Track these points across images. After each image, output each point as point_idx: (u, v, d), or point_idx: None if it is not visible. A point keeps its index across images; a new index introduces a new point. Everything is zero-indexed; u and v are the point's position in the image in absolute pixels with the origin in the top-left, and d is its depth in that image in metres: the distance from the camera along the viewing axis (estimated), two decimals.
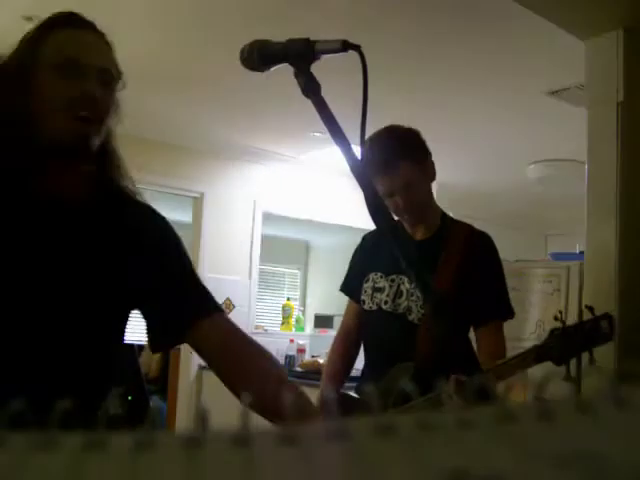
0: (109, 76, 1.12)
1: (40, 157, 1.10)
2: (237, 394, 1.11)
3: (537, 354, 1.57)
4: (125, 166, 1.22)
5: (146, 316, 1.23)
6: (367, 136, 1.40)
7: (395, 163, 1.78)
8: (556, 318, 1.60)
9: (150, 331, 1.23)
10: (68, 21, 1.12)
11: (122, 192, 1.22)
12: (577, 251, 3.51)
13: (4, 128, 1.09)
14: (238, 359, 1.19)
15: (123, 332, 1.23)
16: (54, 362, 1.09)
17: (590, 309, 1.62)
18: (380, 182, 1.77)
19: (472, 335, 1.83)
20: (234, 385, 1.15)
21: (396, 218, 1.90)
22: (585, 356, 1.59)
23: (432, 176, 1.88)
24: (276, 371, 1.20)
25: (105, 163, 1.19)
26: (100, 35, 1.14)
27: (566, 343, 1.57)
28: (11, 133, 1.08)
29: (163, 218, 1.28)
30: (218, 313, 1.23)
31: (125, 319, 1.22)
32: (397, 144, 1.80)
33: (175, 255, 1.26)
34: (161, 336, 1.24)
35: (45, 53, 1.08)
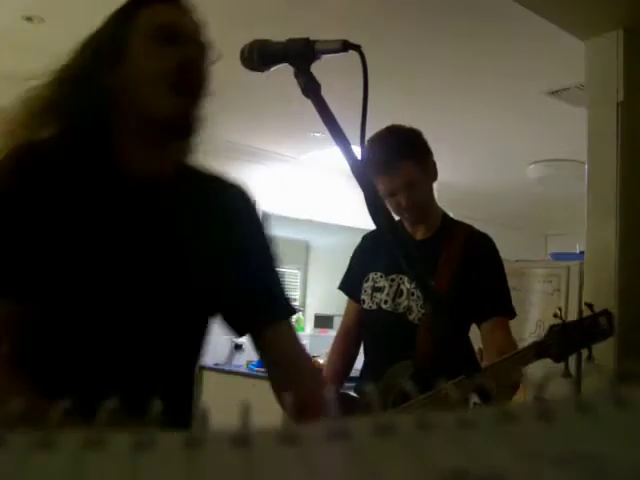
0: (204, 48, 1.05)
1: (134, 131, 1.03)
2: (281, 402, 1.07)
3: (536, 350, 1.57)
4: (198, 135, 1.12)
5: (224, 306, 1.15)
6: (368, 136, 1.41)
7: (397, 162, 1.78)
8: (555, 315, 1.61)
9: (234, 318, 1.16)
10: None
11: (210, 171, 1.14)
12: (577, 251, 3.51)
13: (98, 102, 1.01)
14: (291, 374, 1.15)
15: (208, 325, 1.14)
16: (142, 358, 1.02)
17: (589, 306, 1.63)
18: (382, 182, 1.77)
19: (471, 335, 1.83)
20: (280, 395, 1.13)
21: (397, 218, 1.90)
22: (584, 353, 1.60)
23: (434, 176, 1.88)
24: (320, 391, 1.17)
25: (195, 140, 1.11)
26: (191, 10, 1.07)
27: (565, 340, 1.57)
28: (106, 108, 1.01)
29: (254, 202, 1.19)
30: (288, 320, 1.17)
31: (213, 310, 1.14)
32: (399, 144, 1.81)
33: (263, 245, 1.18)
34: (231, 326, 1.17)
35: (139, 24, 1.02)
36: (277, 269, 1.18)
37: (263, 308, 1.15)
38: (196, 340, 1.13)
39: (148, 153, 1.06)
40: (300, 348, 1.19)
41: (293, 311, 1.19)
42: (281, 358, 1.16)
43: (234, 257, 1.11)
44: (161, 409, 0.23)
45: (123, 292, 1.00)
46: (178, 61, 0.99)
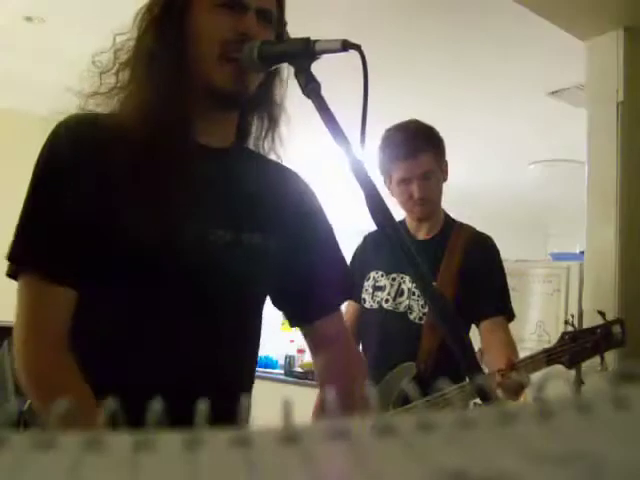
0: (270, 16, 1.03)
1: (196, 103, 1.02)
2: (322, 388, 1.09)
3: (548, 357, 1.58)
4: (279, 114, 1.12)
5: (287, 290, 1.14)
6: (368, 137, 1.41)
7: (419, 150, 1.81)
8: (567, 322, 1.61)
9: (280, 306, 1.16)
10: None
11: (255, 150, 1.12)
12: (577, 251, 3.51)
13: (160, 72, 0.99)
14: (347, 365, 1.15)
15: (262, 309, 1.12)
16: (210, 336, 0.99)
17: (602, 314, 1.63)
18: (400, 167, 1.80)
19: (470, 336, 1.83)
20: (323, 382, 1.14)
21: (403, 215, 1.91)
22: (596, 360, 1.60)
23: (445, 175, 1.91)
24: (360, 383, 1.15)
25: (261, 115, 1.11)
26: None
27: (577, 347, 1.57)
28: (167, 78, 0.99)
29: (314, 191, 1.19)
30: (339, 310, 1.17)
31: (280, 281, 1.11)
32: (422, 134, 1.85)
33: (329, 232, 1.17)
34: (290, 314, 1.16)
35: None
36: (342, 256, 1.18)
37: (328, 294, 1.14)
38: (257, 323, 1.10)
39: (213, 123, 1.05)
40: (350, 336, 1.22)
41: (350, 295, 1.20)
42: (335, 347, 1.14)
43: (303, 236, 1.10)
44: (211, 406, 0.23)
45: (190, 268, 0.97)
46: (237, 32, 0.99)
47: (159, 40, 1.00)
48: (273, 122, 1.12)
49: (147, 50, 1.01)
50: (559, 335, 1.64)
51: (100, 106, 1.01)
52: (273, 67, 1.05)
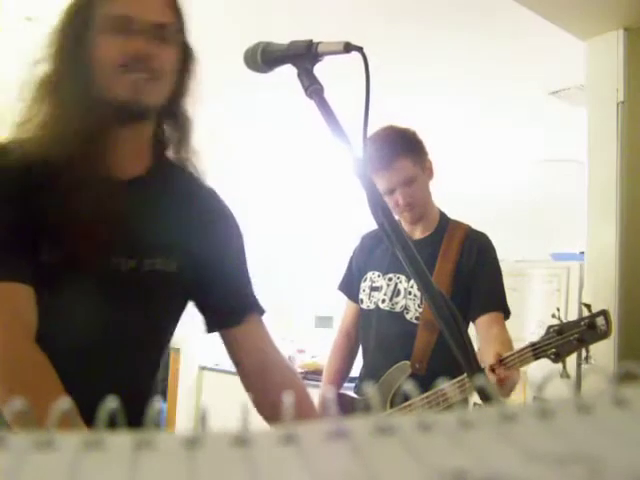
0: (166, 31, 1.05)
1: (102, 121, 1.04)
2: (256, 401, 1.11)
3: (534, 351, 1.58)
4: (189, 130, 1.15)
5: (197, 302, 1.20)
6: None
7: (395, 159, 1.79)
8: (553, 316, 1.61)
9: (205, 313, 1.21)
10: None
11: (182, 163, 1.15)
12: (577, 251, 3.51)
13: (69, 93, 1.03)
14: (264, 370, 1.18)
15: (177, 322, 1.19)
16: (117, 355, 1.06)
17: (587, 306, 1.63)
18: (380, 179, 1.78)
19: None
20: (255, 394, 1.15)
21: (396, 218, 1.90)
22: (583, 354, 1.60)
23: (430, 174, 1.90)
24: (298, 384, 1.21)
25: (170, 128, 1.14)
26: None
27: (563, 340, 1.57)
28: (75, 98, 1.03)
29: (225, 203, 1.23)
30: (258, 316, 1.21)
31: (183, 307, 1.19)
32: (396, 141, 1.82)
33: (236, 246, 1.22)
34: (214, 320, 1.21)
35: (99, 13, 1.04)
36: (248, 269, 1.24)
37: (234, 305, 1.19)
38: (169, 327, 1.17)
39: (124, 144, 1.08)
40: (270, 343, 1.22)
41: (261, 310, 1.23)
42: (250, 353, 1.19)
43: (210, 254, 1.15)
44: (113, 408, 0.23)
45: (103, 286, 1.04)
46: (131, 52, 1.01)
47: (63, 65, 1.05)
48: (183, 132, 1.15)
49: (52, 76, 1.05)
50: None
51: (26, 133, 1.05)
52: (276, 69, 1.05)
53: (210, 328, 1.21)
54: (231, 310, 1.19)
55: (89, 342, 1.02)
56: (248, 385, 1.17)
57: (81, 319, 1.01)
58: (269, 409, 1.09)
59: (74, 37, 1.05)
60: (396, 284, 1.87)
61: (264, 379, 1.17)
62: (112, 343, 1.05)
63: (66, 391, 0.94)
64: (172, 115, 1.13)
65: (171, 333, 1.18)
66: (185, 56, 1.11)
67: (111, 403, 0.23)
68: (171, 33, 1.06)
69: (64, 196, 0.99)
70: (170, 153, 1.15)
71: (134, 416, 0.25)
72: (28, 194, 0.99)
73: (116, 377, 0.99)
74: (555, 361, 1.57)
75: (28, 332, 0.96)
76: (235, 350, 1.20)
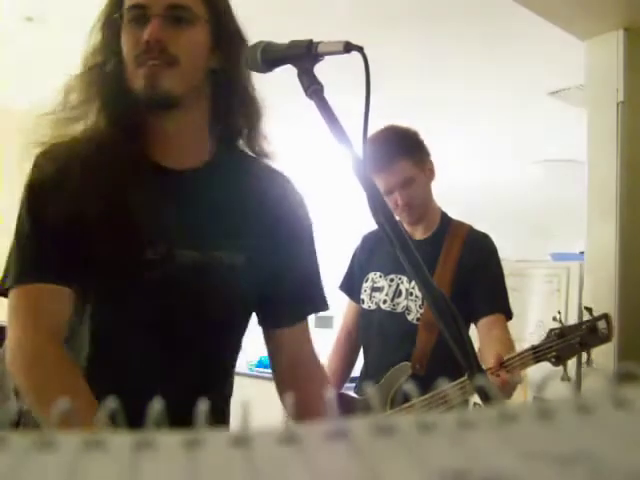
0: (182, 11, 1.01)
1: (137, 114, 1.02)
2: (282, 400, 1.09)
3: (535, 354, 1.57)
4: (254, 112, 1.09)
5: (260, 298, 1.14)
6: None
7: (393, 161, 1.79)
8: (554, 319, 1.61)
9: (264, 311, 1.16)
10: None
11: (247, 150, 1.11)
12: (577, 251, 3.51)
13: (109, 91, 1.02)
14: (299, 375, 1.15)
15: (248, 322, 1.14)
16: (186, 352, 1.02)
17: (588, 310, 1.63)
18: (379, 180, 1.78)
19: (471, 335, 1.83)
20: (282, 391, 1.12)
21: (397, 218, 1.90)
22: (583, 357, 1.60)
23: (430, 175, 1.89)
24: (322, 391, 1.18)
25: (218, 113, 1.08)
26: None
27: (564, 344, 1.57)
28: (114, 95, 1.02)
29: (299, 193, 1.17)
30: (306, 320, 1.18)
31: (252, 304, 1.13)
32: (395, 142, 1.82)
33: (308, 240, 1.17)
34: (266, 319, 1.17)
35: (125, 5, 1.02)
36: (317, 264, 1.18)
37: (296, 306, 1.15)
38: (237, 331, 1.11)
39: (169, 138, 1.05)
40: (312, 350, 1.19)
41: (325, 306, 1.19)
42: (292, 358, 1.16)
43: (281, 249, 1.10)
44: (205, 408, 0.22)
45: (163, 281, 1.00)
46: (143, 40, 0.99)
47: (102, 62, 1.03)
48: (250, 118, 1.10)
49: (92, 69, 1.04)
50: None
51: (69, 126, 1.03)
52: (276, 69, 1.05)
53: (263, 325, 1.16)
54: (290, 311, 1.15)
55: (150, 341, 0.99)
56: (282, 387, 1.14)
57: (140, 319, 0.99)
58: (297, 404, 1.06)
59: (108, 34, 1.04)
60: (398, 285, 1.87)
61: (300, 386, 1.12)
62: (172, 343, 1.01)
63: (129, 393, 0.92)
64: (232, 101, 1.08)
65: (241, 333, 1.12)
66: (221, 34, 1.06)
67: (156, 405, 0.23)
68: (191, 13, 1.02)
69: (112, 189, 0.96)
70: (242, 142, 1.11)
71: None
72: (72, 193, 0.96)
73: (178, 380, 0.96)
74: (556, 364, 1.56)
75: (51, 332, 0.94)
76: (275, 349, 1.16)
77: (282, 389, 1.14)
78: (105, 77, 1.02)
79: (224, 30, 1.07)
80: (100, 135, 1.00)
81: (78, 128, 1.02)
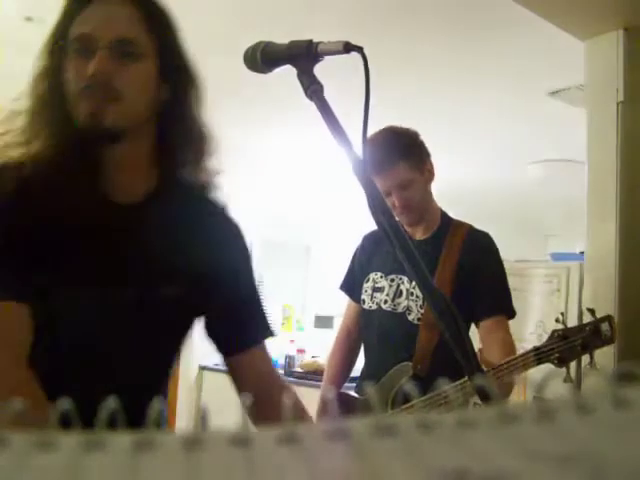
0: (129, 45, 1.00)
1: (82, 146, 1.01)
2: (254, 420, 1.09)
3: (537, 356, 1.57)
4: (201, 143, 1.09)
5: (206, 327, 1.18)
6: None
7: (389, 163, 1.79)
8: (557, 320, 1.60)
9: (212, 337, 1.19)
10: None
11: (192, 181, 1.11)
12: (577, 251, 3.51)
13: (53, 120, 1.01)
14: (265, 400, 1.16)
15: (183, 342, 1.17)
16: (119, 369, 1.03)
17: (591, 311, 1.62)
18: (378, 181, 1.78)
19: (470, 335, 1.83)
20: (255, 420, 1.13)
21: (396, 219, 1.90)
22: (586, 359, 1.59)
23: (430, 176, 1.89)
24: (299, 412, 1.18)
25: (163, 145, 1.08)
26: (127, 1, 1.02)
27: (566, 345, 1.57)
28: (58, 124, 1.00)
29: (237, 225, 1.19)
30: (261, 345, 1.19)
31: (189, 328, 1.15)
32: (393, 144, 1.82)
33: (245, 271, 1.19)
34: (222, 344, 1.20)
35: (70, 34, 1.02)
36: (258, 293, 1.21)
37: (243, 332, 1.17)
38: (172, 348, 1.14)
39: (116, 172, 1.06)
40: (273, 371, 1.21)
41: (270, 333, 1.20)
42: (254, 380, 1.17)
43: (218, 277, 1.12)
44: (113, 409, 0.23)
45: (100, 312, 1.01)
46: (84, 77, 0.98)
47: (48, 91, 1.02)
48: (195, 151, 1.10)
49: (39, 96, 1.03)
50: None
51: (15, 150, 1.02)
52: (276, 69, 1.05)
53: (219, 351, 1.19)
54: (238, 337, 1.17)
55: (87, 366, 1.00)
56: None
57: (79, 347, 1.00)
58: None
59: (54, 61, 1.03)
60: (398, 285, 1.87)
61: (262, 400, 1.14)
62: (111, 368, 1.02)
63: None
64: (178, 133, 1.08)
65: (173, 358, 1.15)
66: (168, 68, 1.05)
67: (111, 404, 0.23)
68: (138, 48, 1.01)
69: (54, 221, 0.97)
70: (186, 172, 1.10)
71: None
72: (21, 217, 0.97)
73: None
74: (558, 366, 1.56)
75: (16, 350, 0.94)
76: (236, 375, 1.18)
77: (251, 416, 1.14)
78: (51, 106, 1.01)
79: (172, 64, 1.06)
80: (47, 164, 0.99)
81: (24, 151, 1.02)
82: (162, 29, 1.06)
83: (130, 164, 1.07)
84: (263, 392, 1.14)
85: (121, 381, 1.01)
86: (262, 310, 1.21)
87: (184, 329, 1.14)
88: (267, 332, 1.20)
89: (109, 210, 1.04)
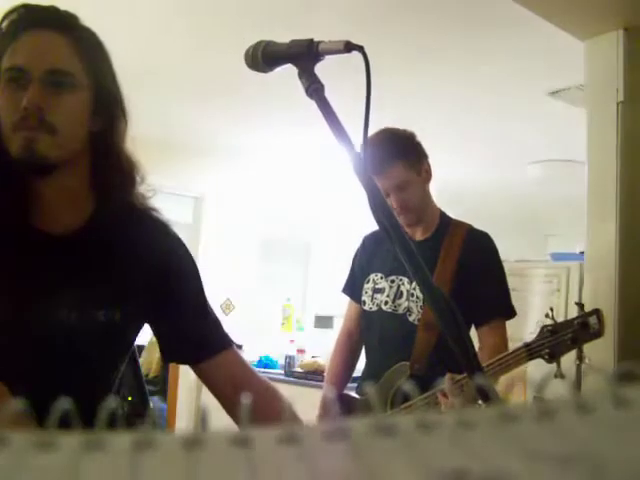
0: (62, 77, 1.00)
1: (14, 178, 1.02)
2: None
3: (528, 351, 1.57)
4: (131, 171, 1.10)
5: (158, 338, 1.20)
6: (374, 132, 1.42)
7: (388, 164, 1.79)
8: (547, 315, 1.61)
9: (162, 349, 1.21)
10: (27, 23, 1.02)
11: (127, 207, 1.12)
12: (577, 251, 3.51)
13: None
14: (239, 393, 1.16)
15: (129, 349, 1.20)
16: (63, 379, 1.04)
17: (580, 305, 1.62)
18: (377, 181, 1.78)
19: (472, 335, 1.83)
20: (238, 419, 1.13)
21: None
22: (575, 353, 1.59)
23: (427, 177, 1.89)
24: (279, 404, 1.15)
25: (97, 174, 1.09)
26: (60, 32, 1.03)
27: (556, 340, 1.57)
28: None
29: (179, 239, 1.20)
30: (226, 350, 1.19)
31: (134, 339, 1.19)
32: (390, 145, 1.82)
33: (190, 284, 1.20)
34: (173, 357, 1.24)
35: (4, 63, 1.01)
36: (209, 309, 1.21)
37: (201, 344, 1.17)
38: (109, 373, 1.16)
39: (51, 205, 1.07)
40: (248, 370, 1.20)
41: (230, 343, 1.20)
42: (227, 383, 1.17)
43: (162, 300, 1.13)
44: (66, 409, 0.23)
45: (40, 340, 1.03)
46: (18, 109, 0.98)
47: None
48: (124, 175, 1.10)
49: None
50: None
51: None
52: (277, 68, 1.05)
53: (169, 360, 1.23)
54: (191, 351, 1.17)
55: (27, 391, 1.01)
56: (228, 408, 1.14)
57: (17, 370, 1.01)
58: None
59: None
60: (399, 286, 1.87)
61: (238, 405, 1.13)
62: (51, 392, 1.03)
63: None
64: (108, 159, 1.08)
65: (113, 378, 1.17)
66: (102, 98, 1.06)
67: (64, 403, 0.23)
68: (72, 79, 1.01)
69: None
70: (121, 198, 1.11)
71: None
72: None
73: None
74: (549, 361, 1.56)
75: None
76: (208, 383, 1.18)
77: (232, 414, 1.13)
78: None
79: (105, 94, 1.07)
80: None
81: None
82: (96, 61, 1.06)
83: (64, 195, 1.08)
84: (237, 397, 1.13)
85: (64, 388, 1.04)
86: (216, 321, 1.21)
87: (125, 345, 1.17)
88: (222, 345, 1.19)
89: (39, 241, 1.06)
